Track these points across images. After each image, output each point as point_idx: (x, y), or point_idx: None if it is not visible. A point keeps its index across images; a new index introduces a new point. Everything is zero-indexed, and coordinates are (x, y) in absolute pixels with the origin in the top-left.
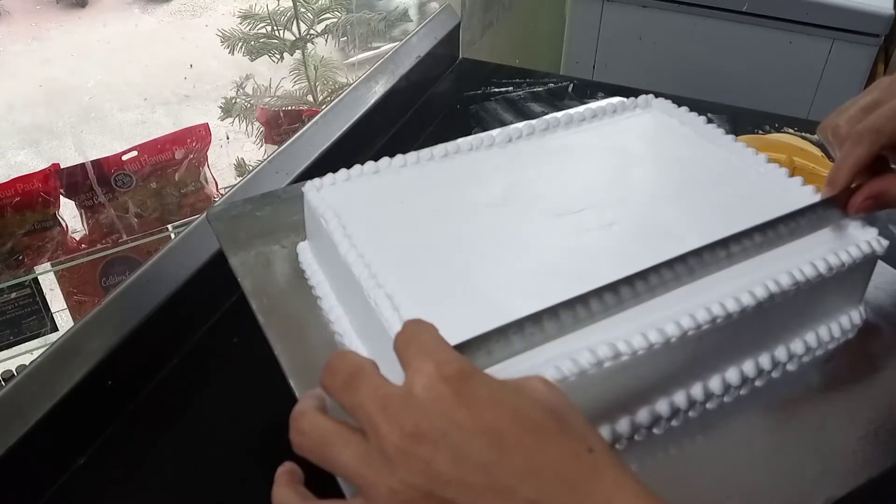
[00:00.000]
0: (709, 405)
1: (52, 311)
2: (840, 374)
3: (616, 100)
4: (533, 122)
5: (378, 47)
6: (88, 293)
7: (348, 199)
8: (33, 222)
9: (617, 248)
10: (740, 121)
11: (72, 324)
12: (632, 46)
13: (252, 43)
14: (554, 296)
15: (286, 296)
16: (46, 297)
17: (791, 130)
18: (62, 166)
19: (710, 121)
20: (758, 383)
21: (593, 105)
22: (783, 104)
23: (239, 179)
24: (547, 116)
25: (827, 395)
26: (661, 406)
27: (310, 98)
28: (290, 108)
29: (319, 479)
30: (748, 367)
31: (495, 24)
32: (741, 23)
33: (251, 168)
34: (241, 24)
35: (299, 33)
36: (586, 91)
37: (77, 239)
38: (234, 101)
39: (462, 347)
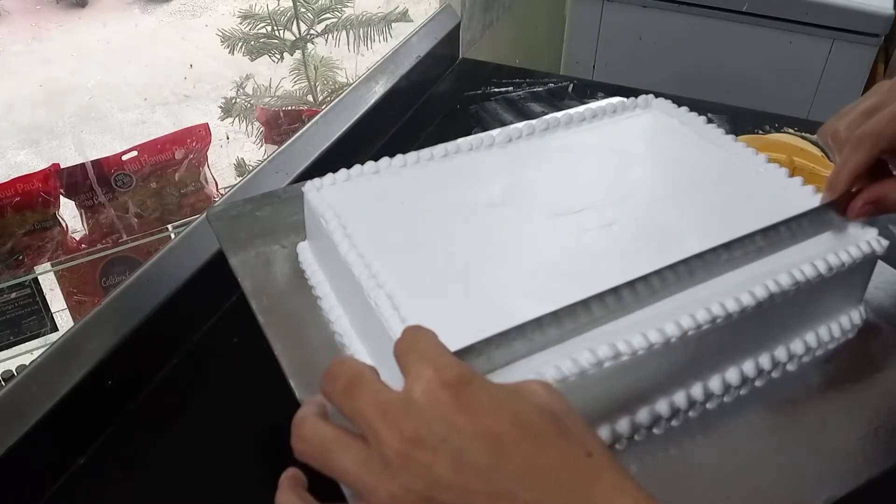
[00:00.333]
0: (709, 405)
1: (52, 311)
2: (840, 374)
3: (616, 100)
4: (533, 122)
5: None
6: (88, 293)
7: (348, 199)
8: (33, 222)
9: (617, 248)
10: (740, 121)
11: (72, 324)
12: (632, 46)
13: (252, 43)
14: (554, 296)
15: (286, 296)
16: (46, 297)
17: (791, 130)
18: (62, 166)
19: (710, 121)
20: (758, 383)
21: (593, 105)
22: (783, 104)
23: (239, 179)
24: (547, 116)
25: (827, 395)
26: (661, 406)
27: (310, 98)
28: (290, 108)
29: (322, 486)
30: (748, 366)
31: (495, 24)
32: (741, 23)
33: (251, 168)
34: (241, 24)
35: (299, 33)
36: (586, 91)
37: (77, 239)
38: (234, 101)
39: (462, 353)
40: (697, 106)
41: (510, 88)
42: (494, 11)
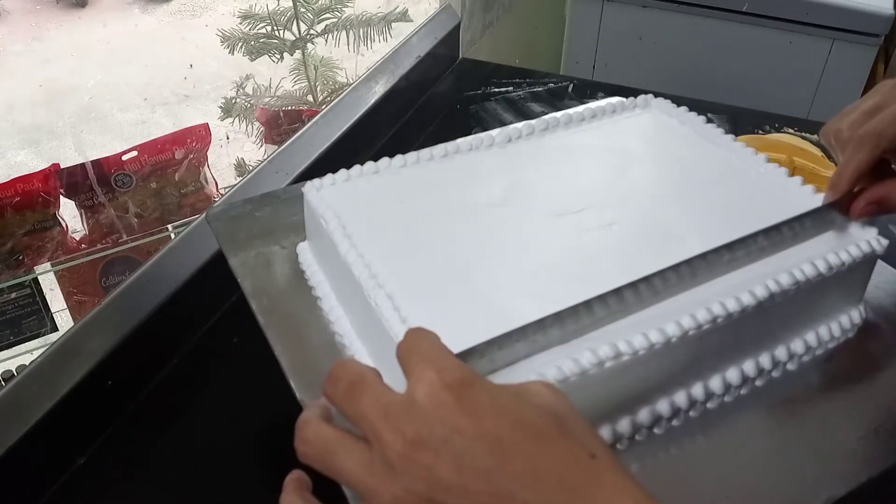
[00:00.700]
0: (709, 405)
1: (52, 311)
2: (840, 374)
3: (616, 100)
4: (533, 122)
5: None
6: (88, 293)
7: (348, 199)
8: (33, 222)
9: (617, 248)
10: (740, 121)
11: (72, 324)
12: (632, 46)
13: (252, 43)
14: (554, 296)
15: (286, 296)
16: (46, 297)
17: (791, 130)
18: (62, 166)
19: (710, 121)
20: (758, 383)
21: (593, 105)
22: (783, 104)
23: (239, 179)
24: (547, 116)
25: (827, 395)
26: (662, 406)
27: (310, 98)
28: (290, 108)
29: (325, 488)
30: (749, 366)
31: (495, 24)
32: (741, 23)
33: (251, 168)
34: (241, 24)
35: (299, 33)
36: (586, 91)
37: (77, 239)
38: (234, 101)
39: (464, 355)
40: (697, 106)
41: (510, 88)
42: (494, 11)
